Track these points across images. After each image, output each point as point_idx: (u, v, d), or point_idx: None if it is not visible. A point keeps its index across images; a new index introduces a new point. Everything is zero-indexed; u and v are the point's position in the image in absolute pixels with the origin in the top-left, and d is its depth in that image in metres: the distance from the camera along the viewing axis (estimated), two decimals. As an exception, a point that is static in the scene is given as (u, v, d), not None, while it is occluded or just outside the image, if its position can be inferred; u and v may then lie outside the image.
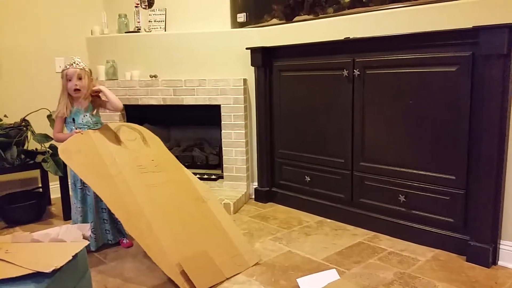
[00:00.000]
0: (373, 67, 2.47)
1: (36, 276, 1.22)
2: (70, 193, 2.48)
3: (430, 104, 2.26)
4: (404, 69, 2.34)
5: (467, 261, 2.17)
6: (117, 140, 2.43)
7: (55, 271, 1.25)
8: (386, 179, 2.50)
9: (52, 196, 3.38)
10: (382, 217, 2.56)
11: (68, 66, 2.40)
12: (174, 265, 1.98)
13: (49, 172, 3.04)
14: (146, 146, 2.51)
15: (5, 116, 2.96)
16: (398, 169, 2.44)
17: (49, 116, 2.90)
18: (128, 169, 2.29)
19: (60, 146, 2.23)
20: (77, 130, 2.37)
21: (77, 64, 2.41)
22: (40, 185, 3.37)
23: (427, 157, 2.32)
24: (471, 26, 2.03)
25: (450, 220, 2.27)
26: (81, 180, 2.36)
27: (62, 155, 2.19)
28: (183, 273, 1.96)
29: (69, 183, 2.52)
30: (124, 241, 2.50)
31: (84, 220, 2.39)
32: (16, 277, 1.20)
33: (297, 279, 1.98)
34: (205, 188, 2.51)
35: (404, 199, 2.43)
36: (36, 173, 3.38)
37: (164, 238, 2.06)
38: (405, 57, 2.33)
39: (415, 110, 2.33)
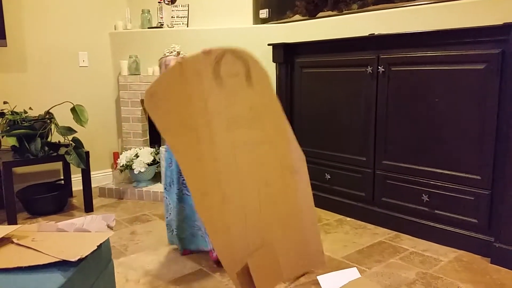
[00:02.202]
0: (398, 64, 2.43)
1: (62, 264, 1.23)
2: (164, 193, 2.29)
3: (456, 103, 2.22)
4: (430, 66, 2.30)
5: (491, 263, 2.12)
6: (215, 74, 1.89)
7: (80, 260, 1.26)
8: (409, 178, 2.46)
9: (74, 189, 3.42)
10: (404, 216, 2.52)
11: (167, 54, 2.47)
12: (238, 261, 1.79)
13: (71, 165, 3.08)
14: (248, 87, 1.95)
15: (30, 108, 3.01)
16: (421, 168, 2.40)
17: (72, 109, 2.93)
18: (218, 121, 1.87)
19: (148, 89, 1.78)
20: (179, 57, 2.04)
21: (176, 52, 2.52)
22: (62, 177, 3.42)
23: (452, 156, 2.27)
24: (501, 23, 1.98)
25: (475, 220, 2.23)
26: (178, 181, 2.19)
27: (148, 104, 1.76)
28: (245, 273, 1.79)
29: (162, 183, 2.40)
30: (215, 254, 2.13)
31: (179, 222, 2.23)
32: (43, 265, 1.21)
33: (317, 277, 1.96)
34: (300, 154, 2.08)
35: (427, 199, 2.39)
36: (59, 165, 3.43)
37: (234, 223, 1.83)
38: (431, 54, 2.29)
39: (440, 108, 2.28)
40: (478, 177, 2.19)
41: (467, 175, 2.23)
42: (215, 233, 1.77)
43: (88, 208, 3.03)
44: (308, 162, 3.06)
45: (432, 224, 2.40)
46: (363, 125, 2.64)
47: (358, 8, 2.88)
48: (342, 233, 2.55)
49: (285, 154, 2.05)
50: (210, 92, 1.87)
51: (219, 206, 1.80)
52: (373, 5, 2.79)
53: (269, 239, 1.91)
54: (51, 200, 3.01)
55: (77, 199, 3.31)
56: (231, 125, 1.89)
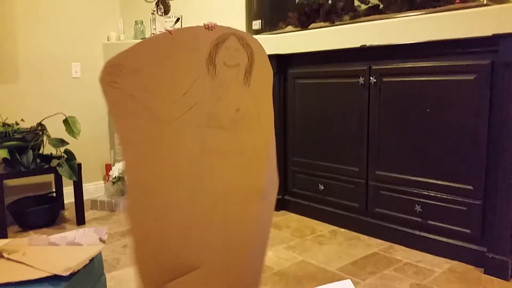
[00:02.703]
0: (389, 75, 2.45)
1: (53, 279, 1.22)
2: None
3: (448, 113, 2.23)
4: (421, 77, 2.32)
5: (485, 273, 2.12)
6: (210, 58, 1.60)
7: (72, 275, 1.24)
8: (402, 189, 2.47)
9: (66, 201, 3.39)
10: (397, 227, 2.52)
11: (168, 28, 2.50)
12: (165, 280, 1.58)
13: (63, 177, 3.06)
14: (244, 84, 1.66)
15: (22, 120, 2.99)
16: (414, 178, 2.41)
17: (64, 121, 2.92)
18: (195, 114, 1.58)
19: (110, 60, 1.49)
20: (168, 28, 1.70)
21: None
22: (54, 190, 3.39)
23: (445, 167, 2.28)
24: (490, 34, 2.00)
25: (467, 231, 2.23)
26: None
27: (105, 78, 1.48)
28: None
29: None
30: None
31: None
32: (34, 280, 1.20)
33: (311, 288, 1.95)
34: (274, 180, 1.77)
35: (420, 209, 2.39)
36: (50, 177, 3.40)
37: (173, 236, 1.59)
38: (422, 65, 2.31)
39: (432, 118, 2.30)
40: (471, 187, 2.20)
41: (459, 185, 2.24)
42: (143, 242, 1.53)
43: (80, 220, 3.00)
44: (301, 173, 3.08)
45: (425, 234, 2.40)
46: (356, 135, 2.65)
47: (349, 20, 2.91)
48: (336, 244, 2.55)
49: (258, 175, 1.72)
50: (198, 78, 1.57)
51: (159, 212, 1.57)
52: (365, 16, 2.81)
53: (208, 264, 1.65)
54: (43, 213, 2.97)
55: (69, 212, 3.28)
56: (210, 122, 1.61)
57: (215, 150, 1.63)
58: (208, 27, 1.58)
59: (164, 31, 1.57)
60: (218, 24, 1.63)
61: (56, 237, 1.49)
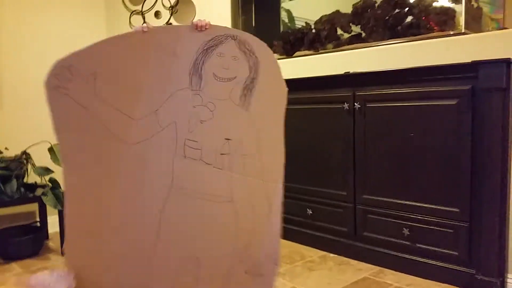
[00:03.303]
0: (373, 101, 2.51)
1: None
2: None
3: (431, 137, 2.28)
4: (404, 102, 2.37)
5: (474, 295, 2.13)
6: (195, 66, 1.23)
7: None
8: (390, 212, 2.49)
9: (50, 231, 3.32)
10: (386, 251, 2.53)
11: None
12: None
13: (47, 206, 3.00)
14: (242, 104, 1.27)
15: (5, 148, 2.95)
16: (401, 201, 2.44)
17: (50, 149, 2.89)
18: (165, 139, 1.20)
19: (61, 60, 1.28)
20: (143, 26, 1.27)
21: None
22: (38, 219, 3.32)
23: (430, 190, 2.32)
24: (470, 61, 2.08)
25: (455, 253, 2.25)
26: None
27: (52, 82, 1.25)
28: None
29: None
30: None
31: None
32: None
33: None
34: (275, 253, 1.40)
35: (408, 232, 2.41)
36: (34, 206, 3.33)
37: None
38: (405, 90, 2.37)
39: (416, 142, 2.34)
40: (457, 210, 2.23)
41: (445, 208, 2.27)
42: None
43: (65, 250, 2.94)
44: (290, 197, 3.08)
45: (414, 258, 2.41)
46: (343, 160, 2.68)
47: (333, 48, 2.98)
48: (326, 270, 2.53)
49: (253, 239, 1.26)
50: (176, 91, 1.20)
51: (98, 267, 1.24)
52: (348, 44, 2.89)
53: None
54: (26, 244, 2.91)
55: (54, 242, 3.21)
56: (186, 152, 1.20)
57: (189, 191, 1.21)
58: (198, 27, 1.21)
59: (137, 27, 1.23)
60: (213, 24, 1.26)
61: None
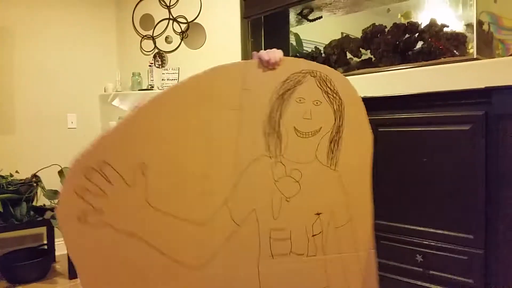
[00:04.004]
0: (385, 125, 2.50)
1: None
2: None
3: (445, 162, 2.26)
4: (417, 127, 2.36)
5: (491, 325, 2.07)
6: (271, 126, 0.93)
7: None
8: (402, 238, 2.45)
9: (57, 253, 3.30)
10: (399, 277, 2.48)
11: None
12: None
13: (55, 228, 2.99)
14: (328, 163, 1.01)
15: (16, 172, 2.96)
16: (414, 227, 2.40)
17: (60, 172, 2.90)
18: (244, 240, 0.91)
19: (74, 165, 0.85)
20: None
21: None
22: (45, 242, 3.31)
23: (444, 216, 2.28)
24: (483, 87, 2.08)
25: (470, 281, 2.20)
26: None
27: (66, 206, 0.83)
28: None
29: None
30: None
31: None
32: None
33: None
34: None
35: (421, 259, 2.37)
36: (42, 229, 3.33)
37: None
38: (417, 115, 2.36)
39: (429, 168, 2.32)
40: (471, 237, 2.19)
41: (459, 234, 2.23)
42: None
43: (72, 274, 2.91)
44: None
45: (428, 285, 2.36)
46: (354, 184, 2.66)
47: (343, 72, 2.99)
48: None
49: None
50: (251, 167, 0.88)
51: None
52: (358, 69, 2.91)
53: None
54: (33, 267, 2.89)
55: (61, 265, 3.18)
56: (274, 250, 0.91)
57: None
58: (270, 64, 0.90)
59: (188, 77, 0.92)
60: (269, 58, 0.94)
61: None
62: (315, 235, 0.95)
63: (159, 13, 3.75)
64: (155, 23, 3.76)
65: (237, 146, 0.87)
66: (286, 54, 3.24)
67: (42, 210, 2.93)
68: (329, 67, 1.05)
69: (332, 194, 0.97)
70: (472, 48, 2.33)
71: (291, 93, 0.91)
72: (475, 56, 2.30)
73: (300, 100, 0.93)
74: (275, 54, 0.91)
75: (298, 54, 3.37)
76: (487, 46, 2.43)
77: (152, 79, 3.64)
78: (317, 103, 0.96)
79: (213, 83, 0.94)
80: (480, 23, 2.36)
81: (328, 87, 0.99)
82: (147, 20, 3.81)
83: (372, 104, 2.59)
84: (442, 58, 2.45)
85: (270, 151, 0.89)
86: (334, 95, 1.01)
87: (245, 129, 0.86)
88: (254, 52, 0.92)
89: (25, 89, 3.35)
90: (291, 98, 0.91)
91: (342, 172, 0.97)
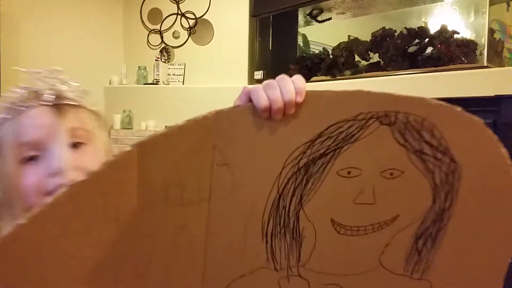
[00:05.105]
0: (392, 130, 2.49)
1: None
2: None
3: (450, 169, 2.26)
4: (424, 133, 2.36)
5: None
6: (275, 218, 0.48)
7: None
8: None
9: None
10: None
11: None
12: None
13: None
14: (410, 273, 0.52)
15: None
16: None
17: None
18: None
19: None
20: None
21: None
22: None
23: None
24: (493, 95, 2.07)
25: None
26: None
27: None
28: None
29: None
30: None
31: None
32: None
33: None
34: None
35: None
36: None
37: None
38: (425, 121, 2.36)
39: (435, 174, 2.32)
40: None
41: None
42: None
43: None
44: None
45: None
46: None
47: (350, 75, 2.99)
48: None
49: None
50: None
51: None
52: (366, 72, 2.90)
53: None
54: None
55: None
56: None
57: None
58: (273, 112, 0.50)
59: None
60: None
61: None
62: None
63: (168, 7, 3.74)
64: (163, 18, 3.74)
65: (206, 268, 0.51)
66: (293, 55, 3.22)
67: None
68: (433, 100, 0.53)
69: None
70: (482, 55, 2.33)
71: (327, 163, 0.49)
72: (485, 64, 2.30)
73: (349, 173, 0.50)
74: (288, 86, 0.49)
75: (304, 55, 3.36)
76: (497, 55, 2.43)
77: (158, 73, 3.63)
78: (391, 174, 0.51)
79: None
80: (491, 31, 2.36)
81: (425, 141, 0.51)
82: (155, 14, 3.79)
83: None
84: (452, 65, 2.44)
85: (275, 260, 0.50)
86: (439, 154, 0.51)
87: (219, 233, 0.51)
88: (245, 88, 0.53)
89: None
90: (327, 171, 0.49)
91: (435, 283, 0.53)
